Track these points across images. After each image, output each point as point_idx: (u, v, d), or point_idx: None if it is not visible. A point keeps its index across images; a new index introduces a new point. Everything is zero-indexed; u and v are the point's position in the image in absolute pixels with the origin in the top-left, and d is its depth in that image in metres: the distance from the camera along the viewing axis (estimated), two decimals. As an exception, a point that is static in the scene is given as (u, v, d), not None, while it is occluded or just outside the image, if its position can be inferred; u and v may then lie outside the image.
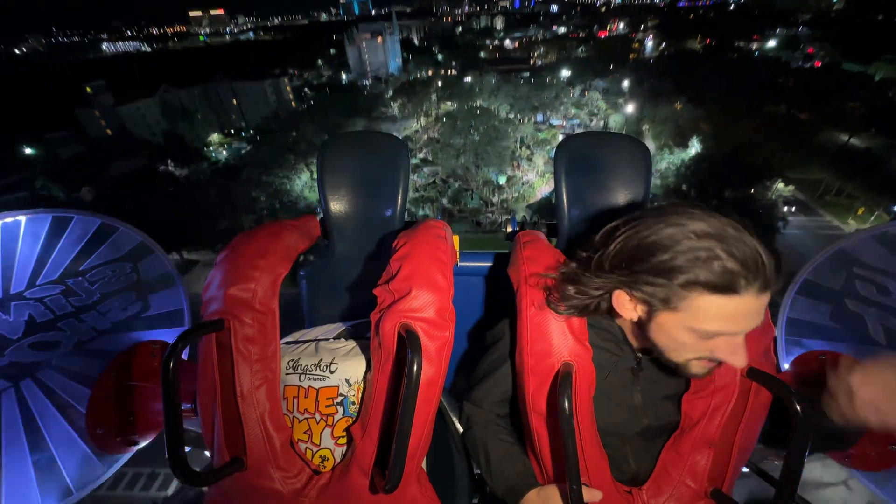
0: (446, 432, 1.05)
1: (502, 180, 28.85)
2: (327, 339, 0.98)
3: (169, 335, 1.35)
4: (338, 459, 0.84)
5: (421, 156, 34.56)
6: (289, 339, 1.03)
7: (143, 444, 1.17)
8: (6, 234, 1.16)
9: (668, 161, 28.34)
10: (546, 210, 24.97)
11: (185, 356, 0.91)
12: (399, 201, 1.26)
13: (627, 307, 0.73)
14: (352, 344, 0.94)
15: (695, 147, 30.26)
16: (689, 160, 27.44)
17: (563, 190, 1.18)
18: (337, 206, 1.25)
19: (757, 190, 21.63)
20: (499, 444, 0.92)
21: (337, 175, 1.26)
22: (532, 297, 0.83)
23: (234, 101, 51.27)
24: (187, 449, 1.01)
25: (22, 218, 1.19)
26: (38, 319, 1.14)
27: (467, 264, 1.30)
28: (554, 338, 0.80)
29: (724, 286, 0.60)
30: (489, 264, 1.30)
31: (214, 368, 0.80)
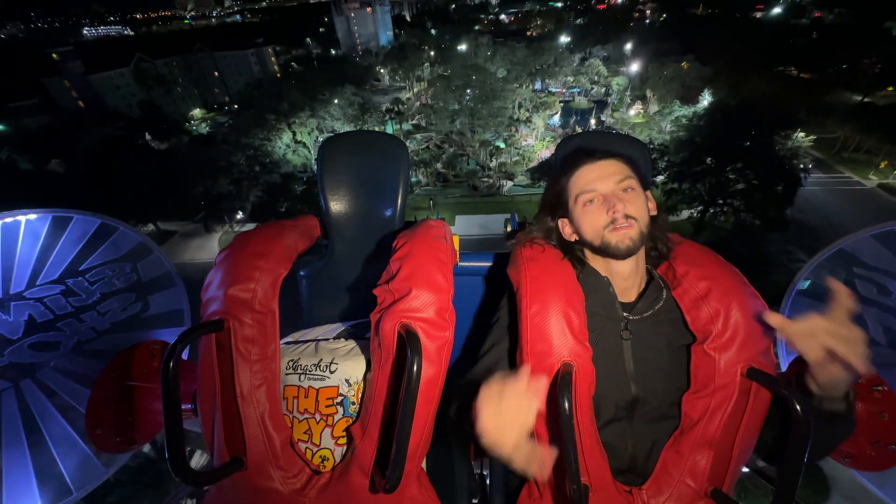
0: (446, 432, 1.05)
1: (500, 144, 27.03)
2: (327, 339, 0.99)
3: (169, 335, 1.35)
4: (338, 459, 0.84)
5: (414, 122, 31.80)
6: (289, 339, 1.03)
7: (143, 444, 1.17)
8: (6, 234, 1.16)
9: (679, 114, 26.28)
10: (543, 173, 24.15)
11: (185, 356, 0.91)
12: (399, 201, 1.26)
13: (567, 230, 0.97)
14: (352, 344, 0.95)
15: (706, 100, 28.46)
16: (703, 110, 25.27)
17: None
18: (337, 206, 1.25)
19: (776, 139, 19.85)
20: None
21: (337, 175, 1.26)
22: (529, 256, 0.95)
23: (216, 73, 47.81)
24: (187, 449, 1.01)
25: (22, 218, 1.19)
26: (38, 319, 1.14)
27: (467, 264, 1.30)
28: (554, 338, 0.80)
29: (572, 167, 0.95)
30: (489, 264, 1.30)
31: (214, 368, 0.80)
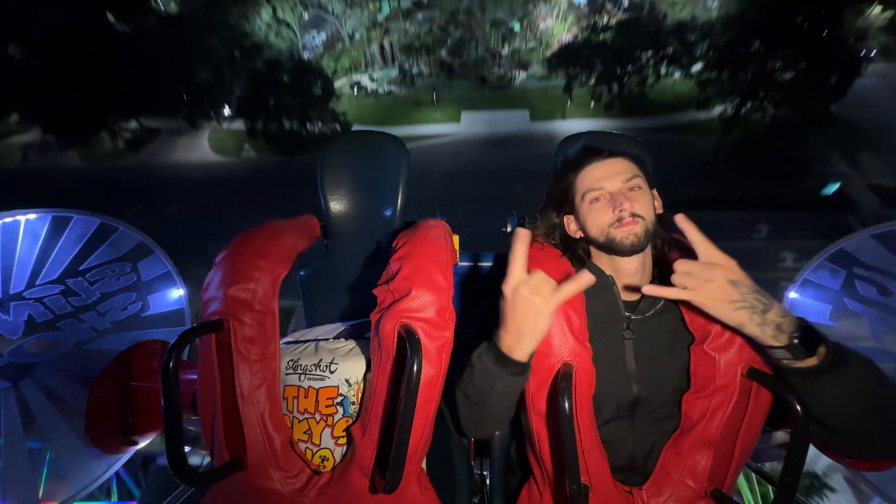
0: (446, 432, 1.05)
1: (515, 25, 22.97)
2: (327, 339, 0.98)
3: (169, 335, 1.35)
4: (338, 459, 0.84)
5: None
6: (289, 339, 1.03)
7: (143, 444, 1.17)
8: (6, 234, 1.16)
9: None
10: (568, 58, 20.63)
11: (185, 356, 0.91)
12: (399, 201, 1.26)
13: (572, 227, 0.98)
14: (352, 344, 0.94)
15: None
16: None
17: None
18: (337, 206, 1.25)
19: (846, 17, 15.66)
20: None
21: (337, 175, 1.26)
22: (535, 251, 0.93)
23: None
24: (187, 449, 1.01)
25: (21, 218, 1.19)
26: (37, 319, 1.14)
27: (467, 264, 1.30)
28: (554, 338, 0.80)
29: (579, 164, 0.95)
30: (489, 264, 1.30)
31: (214, 368, 0.80)
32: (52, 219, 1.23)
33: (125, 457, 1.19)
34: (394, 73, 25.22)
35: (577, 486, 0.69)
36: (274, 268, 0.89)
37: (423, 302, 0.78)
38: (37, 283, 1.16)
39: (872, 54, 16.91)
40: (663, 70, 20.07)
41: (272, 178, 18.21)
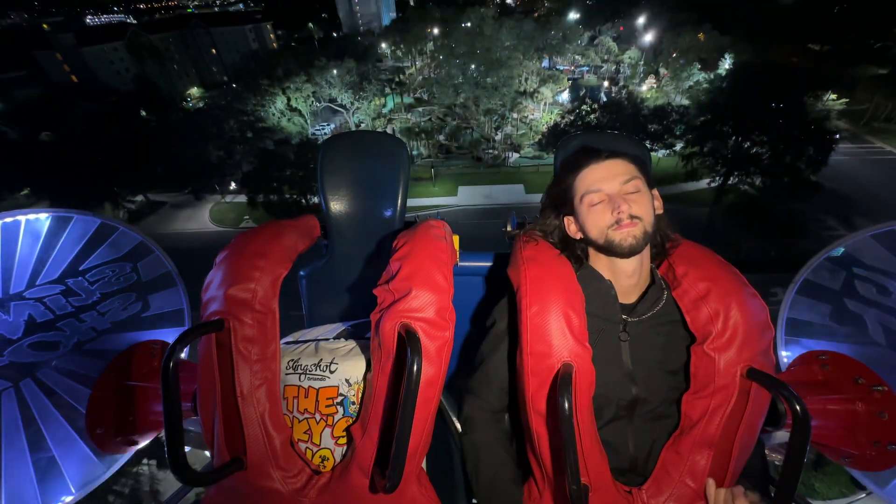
0: (446, 432, 1.05)
1: (507, 115, 26.03)
2: (327, 339, 0.99)
3: (169, 335, 1.35)
4: (338, 459, 0.84)
5: (416, 95, 31.28)
6: (289, 339, 1.03)
7: (143, 444, 1.17)
8: (6, 234, 1.16)
9: (699, 78, 25.38)
10: (558, 138, 22.52)
11: (185, 356, 0.91)
12: (399, 201, 1.26)
13: (572, 228, 0.98)
14: (352, 344, 0.95)
15: (726, 65, 26.81)
16: (726, 73, 24.42)
17: None
18: (337, 206, 1.25)
19: (806, 101, 18.86)
20: (489, 464, 0.93)
21: (337, 175, 1.26)
22: (528, 254, 0.95)
23: (214, 50, 45.77)
24: (187, 449, 1.01)
25: (22, 218, 1.19)
26: (37, 319, 1.14)
27: (467, 264, 1.30)
28: (554, 338, 0.80)
29: (578, 165, 0.95)
30: (489, 264, 1.30)
31: (214, 368, 0.80)
32: (53, 219, 1.23)
33: (125, 457, 1.19)
34: (394, 153, 27.24)
35: (577, 486, 0.69)
36: (274, 268, 0.89)
37: (423, 302, 0.78)
38: (37, 283, 1.16)
39: (837, 136, 19.32)
40: (648, 146, 21.31)
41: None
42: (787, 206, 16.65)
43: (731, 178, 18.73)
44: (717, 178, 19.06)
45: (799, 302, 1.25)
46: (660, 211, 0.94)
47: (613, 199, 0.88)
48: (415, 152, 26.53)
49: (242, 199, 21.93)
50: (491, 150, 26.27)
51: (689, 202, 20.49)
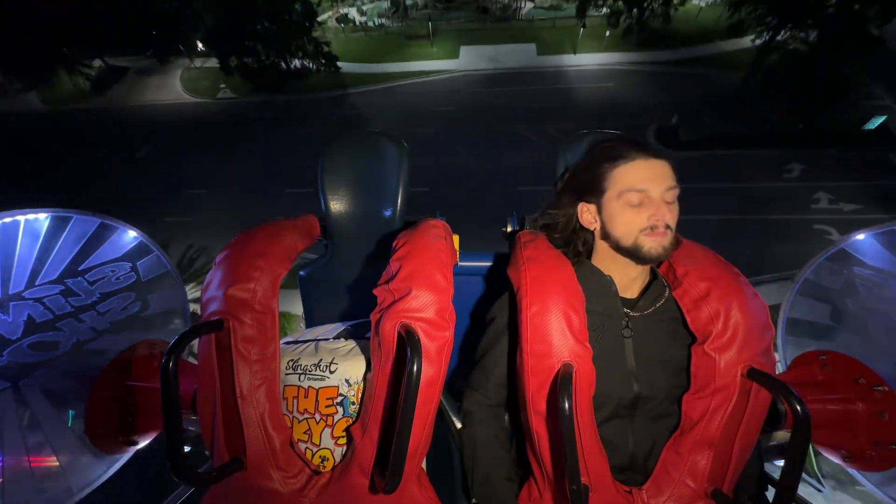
0: (446, 432, 1.05)
1: None
2: (327, 339, 0.98)
3: (169, 335, 1.35)
4: (338, 459, 0.84)
5: None
6: (289, 339, 1.03)
7: (142, 444, 1.17)
8: (5, 234, 1.16)
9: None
10: None
11: (184, 356, 0.91)
12: (399, 201, 1.26)
13: (587, 217, 0.93)
14: (352, 344, 0.94)
15: None
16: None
17: None
18: (337, 206, 1.25)
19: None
20: (485, 461, 0.94)
21: (337, 175, 1.25)
22: (529, 253, 0.92)
23: None
24: (187, 449, 1.01)
25: (21, 218, 1.19)
26: (37, 319, 1.14)
27: (467, 264, 1.30)
28: (554, 338, 0.80)
29: (620, 156, 0.87)
30: (489, 264, 1.30)
31: (214, 369, 0.80)
32: (52, 219, 1.23)
33: (125, 457, 1.19)
34: (385, 4, 22.83)
35: (577, 486, 0.69)
36: (274, 268, 0.89)
37: (423, 302, 0.78)
38: (36, 283, 1.16)
39: None
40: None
41: (251, 119, 16.92)
42: (839, 69, 13.39)
43: (782, 33, 14.63)
44: (766, 33, 14.67)
45: (799, 302, 1.25)
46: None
47: (656, 203, 0.84)
48: (409, 2, 22.05)
49: (214, 63, 18.65)
50: (499, 0, 21.51)
51: (725, 65, 16.82)
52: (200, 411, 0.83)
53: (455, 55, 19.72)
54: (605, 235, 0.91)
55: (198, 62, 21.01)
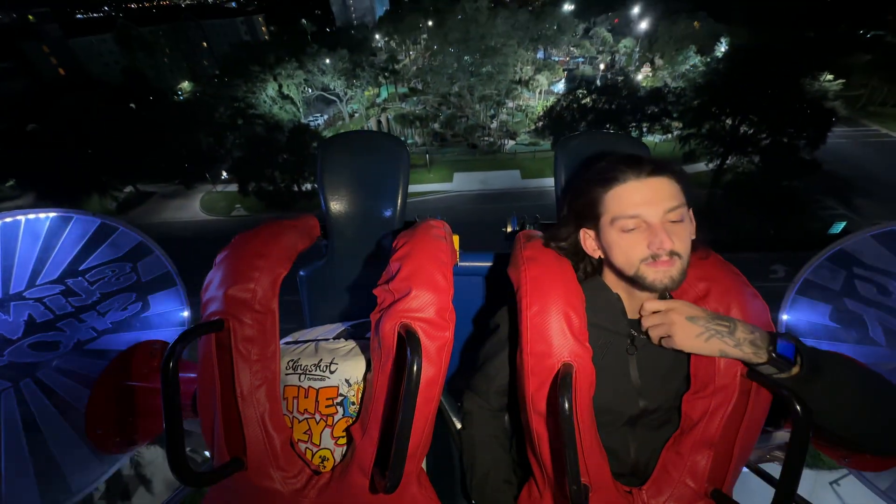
0: (446, 432, 1.05)
1: (503, 100, 25.79)
2: (327, 339, 0.98)
3: (169, 335, 1.35)
4: (338, 459, 0.84)
5: (410, 85, 30.27)
6: (289, 339, 1.03)
7: (142, 444, 1.17)
8: (6, 233, 1.16)
9: (695, 61, 24.55)
10: (554, 122, 22.45)
11: (185, 356, 0.91)
12: (399, 201, 1.26)
13: (590, 244, 0.88)
14: (352, 344, 0.94)
15: (723, 47, 26.36)
16: (723, 55, 23.63)
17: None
18: (337, 206, 1.25)
19: (804, 82, 18.14)
20: (484, 462, 0.95)
21: (337, 175, 1.25)
22: (532, 255, 0.90)
23: (205, 44, 44.43)
24: (187, 449, 1.01)
25: (21, 218, 1.19)
26: (37, 319, 1.14)
27: (467, 264, 1.30)
28: (554, 338, 0.80)
29: (613, 178, 0.80)
30: (489, 264, 1.30)
31: (214, 369, 0.80)
32: (52, 219, 1.23)
33: (125, 457, 1.19)
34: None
35: (577, 486, 0.69)
36: (274, 268, 0.89)
37: (423, 302, 0.78)
38: (37, 283, 1.16)
39: (834, 118, 18.50)
40: (645, 130, 21.65)
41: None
42: (787, 185, 16.50)
43: (730, 159, 18.46)
44: (715, 160, 18.68)
45: (799, 302, 1.25)
46: (694, 236, 0.81)
47: (654, 230, 0.76)
48: (409, 140, 26.27)
49: (233, 188, 21.47)
50: (486, 138, 25.97)
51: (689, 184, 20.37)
52: (200, 411, 0.83)
53: (449, 179, 23.33)
54: (609, 264, 0.86)
55: (219, 187, 23.88)
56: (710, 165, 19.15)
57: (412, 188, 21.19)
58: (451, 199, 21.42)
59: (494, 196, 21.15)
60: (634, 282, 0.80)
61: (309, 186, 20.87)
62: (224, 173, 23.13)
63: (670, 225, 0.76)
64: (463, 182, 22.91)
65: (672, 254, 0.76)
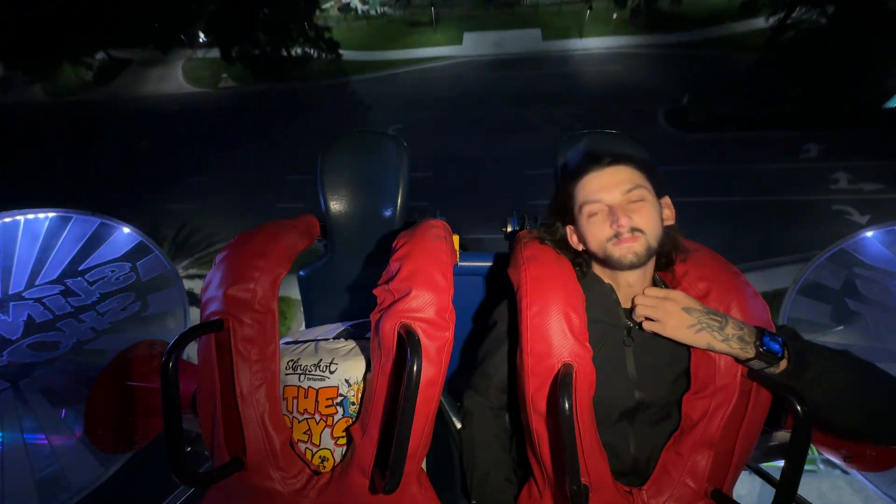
0: (446, 432, 1.05)
1: None
2: (327, 339, 0.98)
3: (169, 335, 1.35)
4: (338, 460, 0.84)
5: None
6: (288, 339, 1.03)
7: (142, 444, 1.17)
8: (5, 234, 1.16)
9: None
10: None
11: (184, 356, 0.91)
12: (399, 201, 1.26)
13: (573, 239, 0.94)
14: (352, 344, 0.94)
15: None
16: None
17: None
18: (337, 206, 1.25)
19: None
20: (484, 461, 0.95)
21: (337, 175, 1.25)
22: (528, 254, 0.94)
23: None
24: (187, 449, 1.01)
25: (21, 218, 1.19)
26: (37, 320, 1.14)
27: (467, 264, 1.30)
28: (554, 338, 0.80)
29: (580, 172, 0.90)
30: (489, 264, 1.30)
31: (214, 369, 0.80)
32: (52, 219, 1.23)
33: (125, 457, 1.19)
34: (387, -9, 22.20)
35: (577, 486, 0.69)
36: (274, 268, 0.89)
37: (423, 302, 0.78)
38: (36, 283, 1.16)
39: None
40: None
41: (252, 108, 16.77)
42: (858, 46, 13.07)
43: (797, 11, 14.38)
44: (779, 13, 14.57)
45: (799, 302, 1.25)
46: (670, 222, 0.89)
47: (613, 210, 0.83)
48: None
49: (215, 53, 18.63)
50: None
51: (737, 46, 16.18)
52: (200, 411, 0.83)
53: (458, 41, 19.42)
54: (590, 253, 0.92)
55: (199, 52, 20.98)
56: (771, 20, 15.00)
57: (417, 52, 18.65)
58: (460, 66, 17.87)
59: (510, 62, 17.59)
60: (606, 263, 0.87)
61: (299, 51, 18.09)
62: (202, 35, 20.00)
63: (630, 205, 0.83)
64: (474, 44, 19.02)
65: (633, 230, 0.82)
